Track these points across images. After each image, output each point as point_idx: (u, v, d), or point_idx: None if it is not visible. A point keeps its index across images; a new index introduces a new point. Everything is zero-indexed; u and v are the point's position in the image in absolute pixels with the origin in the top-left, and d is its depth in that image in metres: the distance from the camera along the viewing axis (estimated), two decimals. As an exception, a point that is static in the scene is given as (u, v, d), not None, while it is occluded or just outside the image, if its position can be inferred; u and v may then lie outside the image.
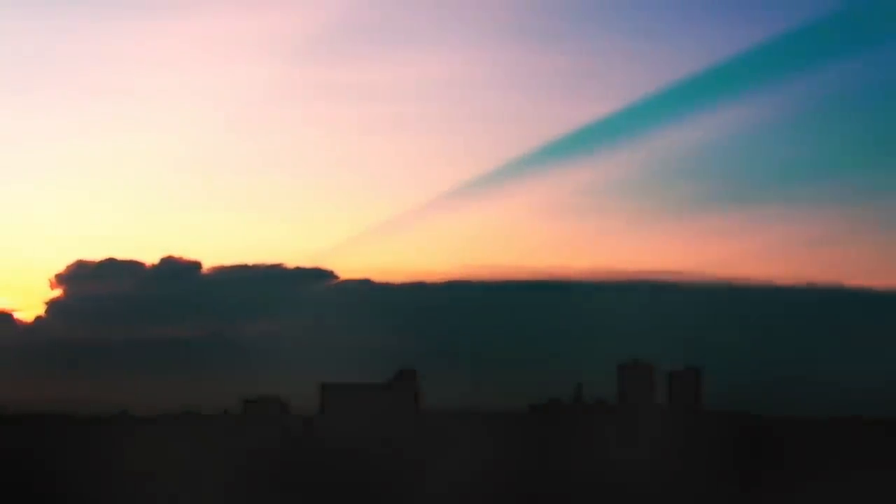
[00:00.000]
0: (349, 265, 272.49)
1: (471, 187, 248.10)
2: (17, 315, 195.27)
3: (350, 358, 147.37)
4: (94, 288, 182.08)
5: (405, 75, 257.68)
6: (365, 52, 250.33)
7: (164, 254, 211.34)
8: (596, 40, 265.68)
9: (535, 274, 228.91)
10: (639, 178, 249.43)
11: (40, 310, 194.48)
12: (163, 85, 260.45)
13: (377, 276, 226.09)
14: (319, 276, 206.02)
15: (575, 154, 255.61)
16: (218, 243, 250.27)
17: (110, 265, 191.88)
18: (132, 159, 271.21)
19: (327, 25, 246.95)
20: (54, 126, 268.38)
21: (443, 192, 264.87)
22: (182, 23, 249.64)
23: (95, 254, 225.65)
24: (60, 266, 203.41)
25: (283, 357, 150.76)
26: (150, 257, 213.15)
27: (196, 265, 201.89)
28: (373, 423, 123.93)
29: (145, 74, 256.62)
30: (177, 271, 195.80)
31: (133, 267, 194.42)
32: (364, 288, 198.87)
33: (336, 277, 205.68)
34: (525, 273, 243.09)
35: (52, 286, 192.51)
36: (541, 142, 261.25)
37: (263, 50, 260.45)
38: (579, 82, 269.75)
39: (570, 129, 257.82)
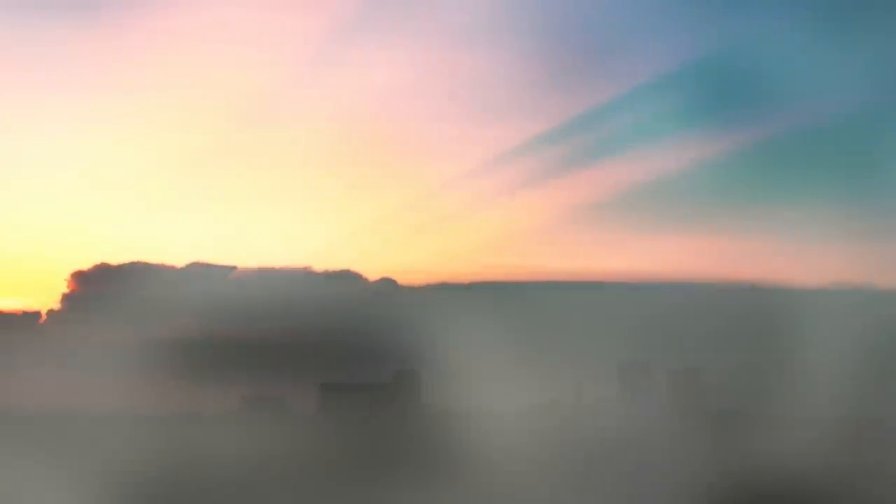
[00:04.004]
0: (378, 266, 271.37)
1: (494, 187, 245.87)
2: (35, 315, 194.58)
3: (351, 358, 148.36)
4: (117, 290, 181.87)
5: (437, 72, 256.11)
6: (386, 47, 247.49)
7: (193, 257, 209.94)
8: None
9: (536, 275, 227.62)
10: (654, 180, 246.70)
11: (59, 310, 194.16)
12: (189, 81, 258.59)
13: (402, 277, 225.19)
14: (346, 279, 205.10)
15: (589, 158, 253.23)
16: (246, 245, 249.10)
17: (135, 268, 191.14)
18: (156, 158, 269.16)
19: (345, 18, 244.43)
20: (73, 124, 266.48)
21: (471, 190, 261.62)
22: (202, 18, 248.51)
23: (120, 256, 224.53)
24: (81, 267, 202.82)
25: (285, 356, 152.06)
26: (178, 260, 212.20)
27: (224, 269, 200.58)
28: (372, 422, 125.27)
29: (168, 71, 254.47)
30: (205, 275, 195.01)
31: (159, 270, 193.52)
32: (387, 289, 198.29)
33: (364, 279, 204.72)
34: (528, 274, 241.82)
35: (70, 286, 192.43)
36: (557, 145, 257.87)
37: (284, 43, 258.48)
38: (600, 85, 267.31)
39: (592, 132, 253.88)
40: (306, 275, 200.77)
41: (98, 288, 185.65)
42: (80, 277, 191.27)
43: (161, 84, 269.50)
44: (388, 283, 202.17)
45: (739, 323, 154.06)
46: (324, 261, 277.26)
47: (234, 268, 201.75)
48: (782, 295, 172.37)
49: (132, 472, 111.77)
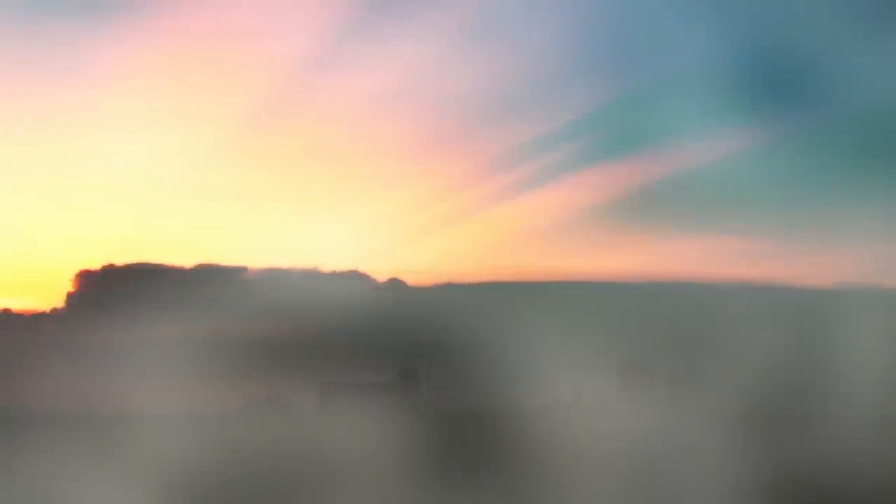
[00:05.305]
0: (386, 266, 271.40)
1: (506, 187, 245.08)
2: (41, 315, 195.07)
3: (359, 357, 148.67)
4: (124, 291, 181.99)
5: (445, 70, 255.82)
6: (394, 45, 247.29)
7: (200, 258, 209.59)
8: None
9: (545, 275, 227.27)
10: (665, 180, 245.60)
11: (63, 311, 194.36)
12: (196, 80, 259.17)
13: (410, 277, 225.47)
14: (354, 279, 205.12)
15: (598, 157, 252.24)
16: (253, 245, 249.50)
17: (140, 269, 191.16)
18: (161, 157, 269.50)
19: (352, 15, 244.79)
20: (79, 124, 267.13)
21: (480, 189, 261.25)
22: (207, 17, 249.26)
23: (126, 257, 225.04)
24: (88, 268, 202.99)
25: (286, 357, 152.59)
26: (185, 261, 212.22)
27: (232, 270, 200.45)
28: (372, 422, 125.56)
29: (175, 71, 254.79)
30: (212, 276, 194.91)
31: (167, 271, 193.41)
32: (395, 289, 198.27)
33: (372, 280, 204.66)
34: (538, 274, 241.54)
35: (76, 287, 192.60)
36: (567, 143, 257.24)
37: (290, 41, 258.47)
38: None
39: (600, 132, 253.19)
40: (314, 275, 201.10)
41: (104, 288, 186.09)
42: (86, 278, 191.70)
43: (169, 83, 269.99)
44: (396, 284, 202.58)
45: (751, 323, 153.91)
46: (332, 261, 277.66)
47: (244, 268, 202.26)
48: (797, 295, 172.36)
49: (141, 472, 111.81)
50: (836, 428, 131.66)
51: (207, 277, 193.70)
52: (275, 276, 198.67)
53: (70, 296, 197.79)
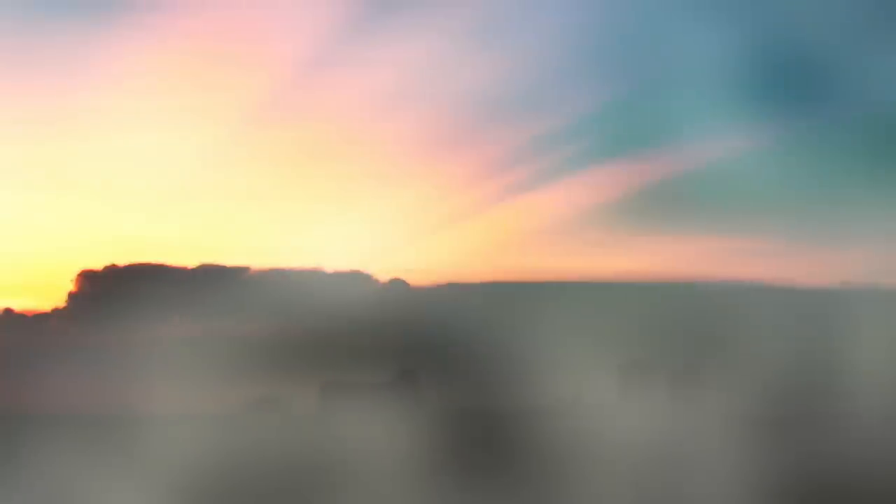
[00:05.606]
0: (389, 266, 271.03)
1: (508, 187, 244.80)
2: (43, 316, 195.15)
3: (361, 357, 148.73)
4: (126, 291, 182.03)
5: (448, 69, 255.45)
6: (397, 45, 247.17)
7: (202, 257, 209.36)
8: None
9: (548, 275, 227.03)
10: (667, 179, 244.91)
11: (64, 311, 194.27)
12: (197, 80, 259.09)
13: (413, 277, 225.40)
14: (356, 279, 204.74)
15: (602, 157, 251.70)
16: (256, 245, 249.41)
17: (142, 269, 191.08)
18: (163, 157, 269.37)
19: (353, 15, 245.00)
20: (81, 123, 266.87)
21: (485, 189, 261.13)
22: (207, 17, 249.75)
23: (128, 257, 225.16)
24: (89, 268, 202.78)
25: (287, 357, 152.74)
26: (188, 261, 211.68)
27: (234, 270, 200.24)
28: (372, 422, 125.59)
29: (177, 70, 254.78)
30: (214, 276, 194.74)
31: (167, 271, 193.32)
32: (398, 289, 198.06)
33: (374, 280, 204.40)
34: (541, 274, 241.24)
35: (78, 287, 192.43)
36: (570, 143, 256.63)
37: (292, 40, 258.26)
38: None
39: (603, 131, 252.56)
40: (317, 275, 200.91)
41: (106, 288, 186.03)
42: (88, 278, 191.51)
43: (171, 83, 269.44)
44: (398, 284, 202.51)
45: (755, 322, 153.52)
46: (334, 261, 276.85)
47: (246, 268, 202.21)
48: (801, 294, 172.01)
49: (142, 472, 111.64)
50: (842, 428, 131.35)
51: (210, 277, 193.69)
52: (277, 276, 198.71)
53: (72, 296, 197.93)
